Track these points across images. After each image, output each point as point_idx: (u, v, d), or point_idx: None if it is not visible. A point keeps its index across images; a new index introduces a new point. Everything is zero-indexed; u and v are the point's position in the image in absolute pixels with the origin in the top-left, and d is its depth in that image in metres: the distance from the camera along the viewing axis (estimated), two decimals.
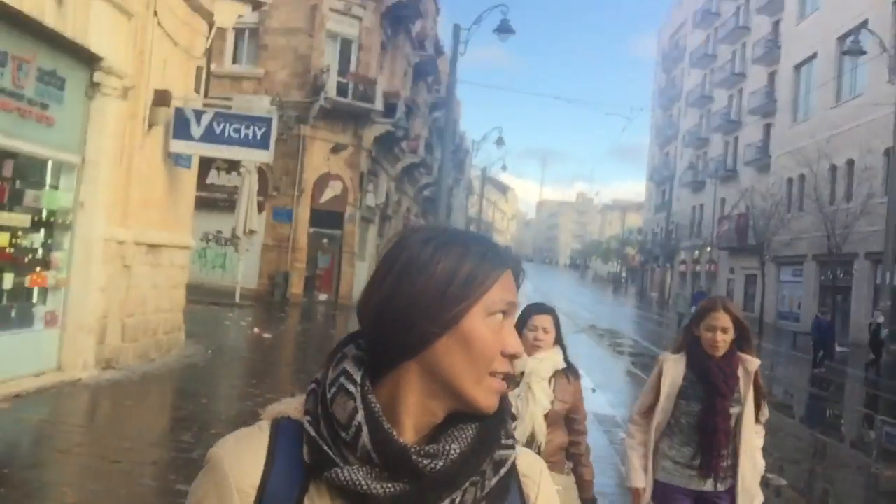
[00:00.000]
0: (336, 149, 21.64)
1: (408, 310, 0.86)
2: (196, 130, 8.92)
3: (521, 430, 3.03)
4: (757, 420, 3.36)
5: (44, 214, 7.49)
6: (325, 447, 0.86)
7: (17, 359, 7.04)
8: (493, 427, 0.91)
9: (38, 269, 7.37)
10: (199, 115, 8.96)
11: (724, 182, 44.49)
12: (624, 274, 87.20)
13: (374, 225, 26.49)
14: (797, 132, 33.67)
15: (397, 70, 26.17)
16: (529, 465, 1.00)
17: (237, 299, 18.38)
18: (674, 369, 3.38)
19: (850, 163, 28.04)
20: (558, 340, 3.25)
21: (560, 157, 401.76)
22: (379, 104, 21.84)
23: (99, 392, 7.58)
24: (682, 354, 3.39)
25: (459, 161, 53.97)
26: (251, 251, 19.42)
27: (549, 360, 3.20)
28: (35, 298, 7.51)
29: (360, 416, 0.85)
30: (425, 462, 0.84)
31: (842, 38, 28.47)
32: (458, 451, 0.86)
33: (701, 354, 3.30)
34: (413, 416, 0.89)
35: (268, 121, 9.06)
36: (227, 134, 8.97)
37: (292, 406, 0.93)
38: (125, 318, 8.58)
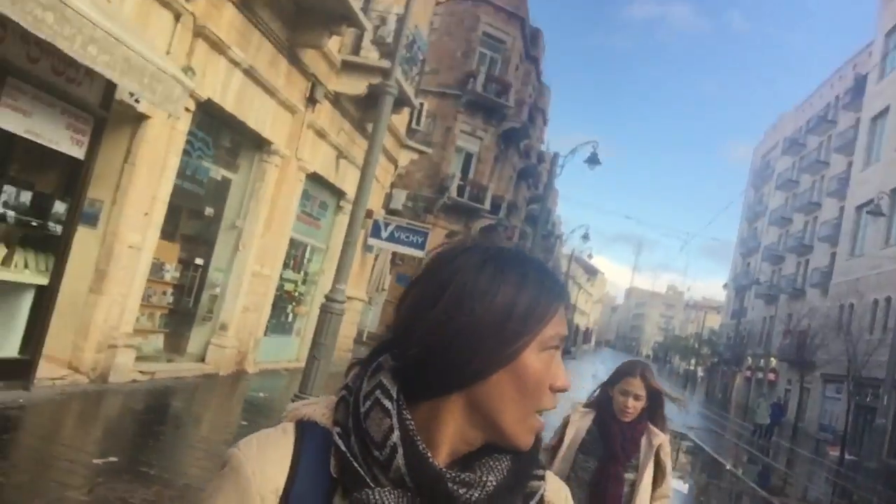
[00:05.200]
0: (450, 235, 27.97)
1: (464, 342, 0.83)
2: (384, 234, 15.19)
3: None
4: (654, 496, 3.33)
5: (305, 274, 13.80)
6: (356, 465, 0.82)
7: (284, 351, 13.26)
8: (528, 460, 0.89)
9: (299, 304, 13.66)
10: (386, 224, 15.25)
11: (793, 299, 48.23)
12: (701, 373, 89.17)
13: None
14: (852, 265, 37.69)
15: (504, 175, 32.53)
16: (555, 491, 0.97)
17: (364, 339, 24.73)
18: (580, 421, 3.41)
19: (888, 300, 32.01)
20: None
21: (653, 246, 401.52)
22: (487, 204, 28.11)
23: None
24: (593, 410, 3.43)
25: (550, 245, 59.72)
26: (378, 304, 25.77)
27: None
28: (292, 320, 13.77)
29: (395, 437, 0.82)
30: (461, 491, 0.82)
31: (893, 192, 32.75)
32: (494, 482, 0.84)
33: (608, 414, 3.31)
34: (450, 443, 0.86)
35: (425, 233, 15.25)
36: (400, 238, 15.20)
37: (319, 410, 0.90)
38: None
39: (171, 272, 9.57)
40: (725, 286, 69.16)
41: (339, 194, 14.02)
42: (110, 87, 7.04)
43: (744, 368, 58.29)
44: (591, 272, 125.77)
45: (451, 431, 0.86)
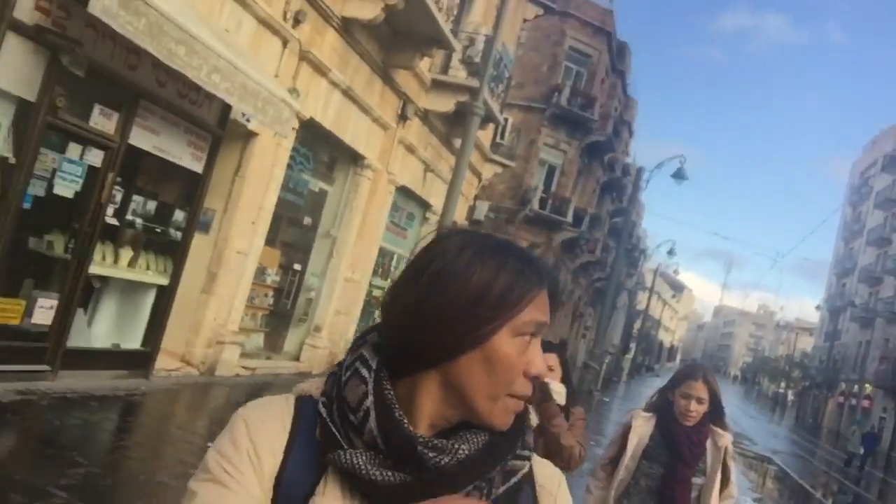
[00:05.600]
0: (532, 246, 28.23)
1: (435, 322, 0.85)
2: None
3: None
4: (721, 497, 3.27)
5: (392, 282, 14.45)
6: (334, 429, 0.87)
7: None
8: (507, 437, 0.91)
9: None
10: None
11: (890, 323, 45.97)
12: (791, 397, 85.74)
13: None
14: None
15: (588, 188, 32.57)
16: (548, 476, 1.00)
17: None
18: (642, 427, 3.33)
19: None
20: (566, 379, 3.20)
21: (742, 263, 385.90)
22: (569, 217, 28.25)
23: None
24: (653, 415, 3.35)
25: (634, 259, 58.93)
26: None
27: None
28: None
29: (369, 401, 0.86)
30: (431, 455, 0.84)
31: None
32: (466, 452, 0.86)
33: (671, 419, 3.25)
34: (428, 417, 0.89)
35: None
36: None
37: (315, 385, 0.95)
38: None
39: (272, 276, 10.34)
40: (818, 307, 66.34)
41: (425, 206, 14.63)
42: (226, 108, 7.81)
43: (836, 394, 55.82)
44: (678, 288, 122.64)
45: (429, 407, 0.89)
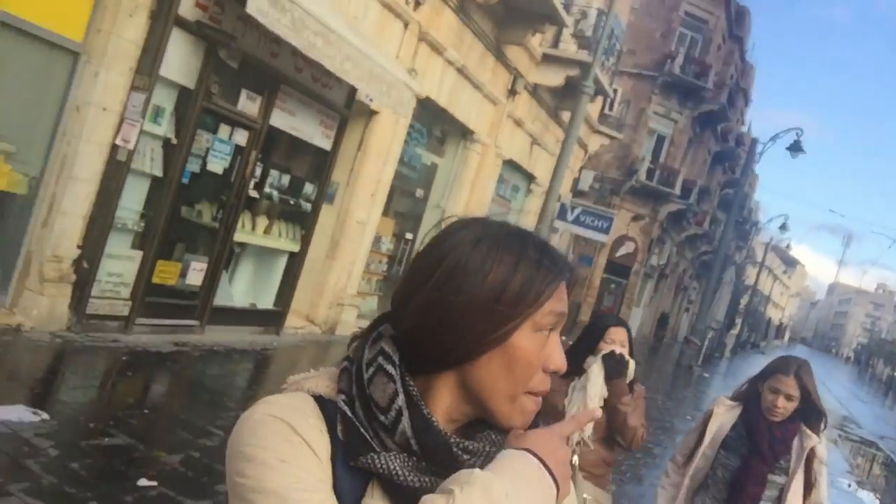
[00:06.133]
0: (636, 218, 28.05)
1: (452, 322, 0.82)
2: (570, 216, 15.93)
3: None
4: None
5: None
6: (363, 430, 0.82)
7: None
8: None
9: None
10: (573, 207, 15.98)
11: None
12: None
13: (653, 280, 32.40)
14: None
15: (698, 159, 31.83)
16: None
17: None
18: (725, 415, 3.23)
19: None
20: (630, 354, 3.21)
21: (861, 238, 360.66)
22: (677, 189, 27.80)
23: None
24: (739, 404, 3.23)
25: (744, 233, 56.91)
26: None
27: None
28: None
29: (400, 400, 0.82)
30: (465, 457, 0.82)
31: None
32: (495, 453, 0.83)
33: (756, 411, 3.10)
34: (445, 413, 0.86)
35: (610, 218, 15.80)
36: (586, 221, 15.86)
37: (322, 383, 0.89)
38: None
39: (387, 244, 11.06)
40: None
41: (529, 178, 14.98)
42: (353, 89, 8.43)
43: None
44: (790, 263, 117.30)
45: (446, 404, 0.86)
